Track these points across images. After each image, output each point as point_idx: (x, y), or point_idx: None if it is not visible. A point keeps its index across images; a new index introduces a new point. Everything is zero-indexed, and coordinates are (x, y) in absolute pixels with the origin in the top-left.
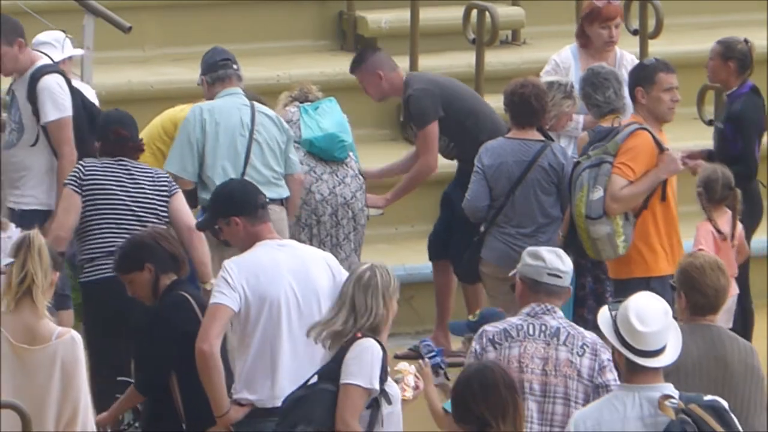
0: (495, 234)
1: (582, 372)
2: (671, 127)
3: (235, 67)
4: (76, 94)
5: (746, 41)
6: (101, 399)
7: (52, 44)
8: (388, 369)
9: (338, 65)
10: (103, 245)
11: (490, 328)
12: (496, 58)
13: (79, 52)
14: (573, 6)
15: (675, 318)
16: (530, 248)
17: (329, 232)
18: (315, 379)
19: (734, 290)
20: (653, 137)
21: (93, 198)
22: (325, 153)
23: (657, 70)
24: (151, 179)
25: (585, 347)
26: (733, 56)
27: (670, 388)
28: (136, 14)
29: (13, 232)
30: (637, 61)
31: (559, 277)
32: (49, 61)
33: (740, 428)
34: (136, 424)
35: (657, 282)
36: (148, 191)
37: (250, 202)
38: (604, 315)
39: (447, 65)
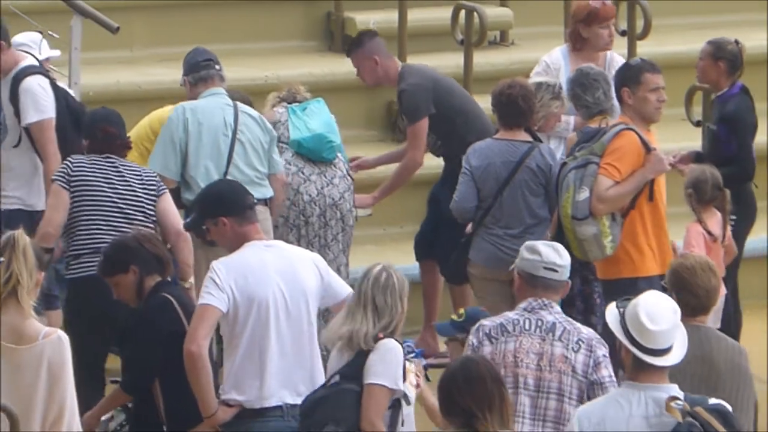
0: (483, 235)
1: (576, 368)
2: (659, 128)
3: (217, 67)
4: (60, 94)
5: (737, 42)
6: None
7: (29, 45)
8: None
9: (326, 66)
10: (90, 242)
11: (487, 322)
12: (485, 59)
13: (56, 53)
14: (561, 7)
15: None
16: (528, 242)
17: (317, 233)
18: (336, 379)
19: (722, 290)
20: (640, 137)
21: (81, 195)
22: (313, 154)
23: (643, 71)
24: (139, 177)
25: (580, 343)
26: (724, 57)
27: (675, 389)
28: (124, 15)
29: None
30: None
31: (556, 271)
32: (34, 62)
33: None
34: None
35: (645, 282)
36: (136, 189)
37: (238, 202)
38: (612, 312)
39: (435, 66)
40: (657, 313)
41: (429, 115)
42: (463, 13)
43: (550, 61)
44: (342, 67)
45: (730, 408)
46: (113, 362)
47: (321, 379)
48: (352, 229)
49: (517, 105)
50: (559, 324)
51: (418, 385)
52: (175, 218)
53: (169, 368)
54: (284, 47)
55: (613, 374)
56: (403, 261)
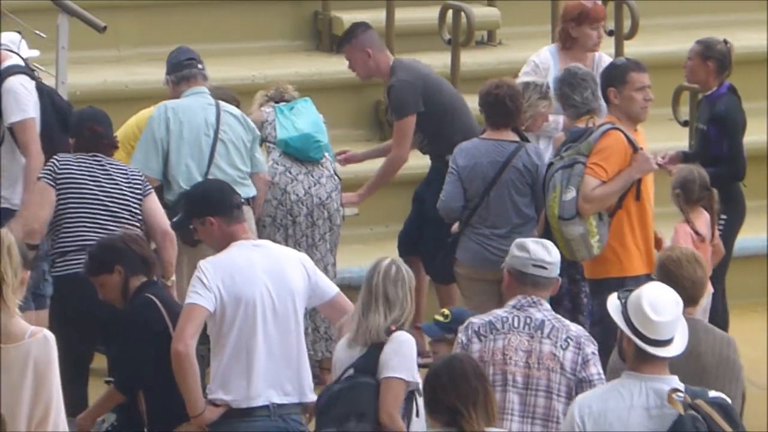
0: (469, 235)
1: (565, 365)
2: (646, 128)
3: (200, 66)
4: (45, 93)
5: (725, 42)
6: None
7: (8, 46)
8: None
9: (314, 65)
10: (76, 240)
11: (476, 320)
12: (472, 59)
13: (34, 53)
14: (548, 6)
15: None
16: (518, 240)
17: (305, 232)
18: (350, 372)
19: (709, 288)
20: (626, 137)
21: (67, 192)
22: (300, 153)
23: (628, 70)
24: (125, 176)
25: (569, 340)
26: (713, 56)
27: (676, 381)
28: (111, 14)
29: None
30: None
31: (545, 268)
32: (19, 61)
33: (744, 427)
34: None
35: (632, 282)
36: (122, 187)
37: (226, 202)
38: (613, 302)
39: None
40: (660, 304)
41: (417, 112)
42: (450, 12)
43: (539, 60)
44: (329, 66)
45: (730, 401)
46: (101, 361)
47: (308, 379)
48: (340, 229)
49: (504, 105)
50: (547, 321)
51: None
52: (162, 218)
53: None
54: (272, 47)
55: (601, 372)
56: None
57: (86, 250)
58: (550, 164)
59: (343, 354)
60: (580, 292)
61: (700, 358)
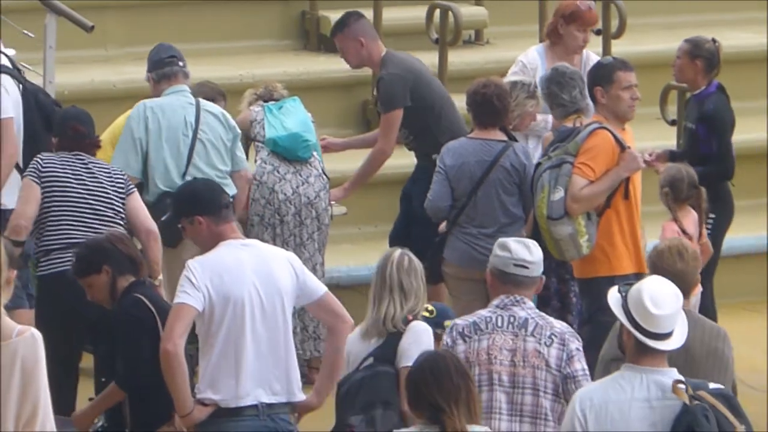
0: (457, 234)
1: (550, 362)
2: (633, 128)
3: (181, 64)
4: (30, 92)
5: (714, 41)
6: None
7: None
8: None
9: (301, 65)
10: (60, 238)
11: (460, 321)
12: (459, 58)
13: (11, 52)
14: (536, 6)
15: None
16: (500, 239)
17: (293, 231)
18: (370, 361)
19: (698, 288)
20: (614, 136)
21: (51, 191)
22: (288, 152)
23: (615, 69)
24: (108, 175)
25: (553, 337)
26: (701, 55)
27: (676, 373)
28: (99, 13)
29: None
30: None
31: (526, 267)
32: (5, 61)
33: (748, 418)
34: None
35: (621, 281)
36: (105, 186)
37: (215, 201)
38: (614, 296)
39: None
40: (660, 297)
41: (404, 107)
42: (437, 12)
43: (527, 60)
44: (317, 65)
45: (731, 392)
46: (88, 361)
47: (297, 378)
48: (328, 228)
49: (492, 104)
50: (531, 319)
51: None
52: (145, 216)
53: None
54: (259, 46)
55: (586, 368)
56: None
57: (71, 248)
58: (538, 164)
59: (357, 346)
60: (570, 292)
61: (688, 350)
